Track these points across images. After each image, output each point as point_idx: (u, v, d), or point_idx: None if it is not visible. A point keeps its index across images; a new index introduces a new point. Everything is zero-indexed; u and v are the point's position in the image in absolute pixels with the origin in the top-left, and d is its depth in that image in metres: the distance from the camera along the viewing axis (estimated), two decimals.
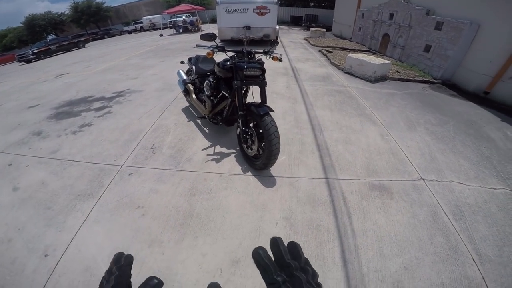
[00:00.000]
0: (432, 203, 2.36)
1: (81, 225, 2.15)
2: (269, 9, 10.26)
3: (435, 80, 6.04)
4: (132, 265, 0.44)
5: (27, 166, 3.01)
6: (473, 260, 1.86)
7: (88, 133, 3.70)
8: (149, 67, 7.72)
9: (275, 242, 0.38)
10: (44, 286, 1.69)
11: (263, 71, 2.55)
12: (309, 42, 12.03)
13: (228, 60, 2.66)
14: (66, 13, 31.88)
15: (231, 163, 2.90)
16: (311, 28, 14.53)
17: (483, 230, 2.10)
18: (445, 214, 2.25)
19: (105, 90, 5.71)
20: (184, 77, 4.06)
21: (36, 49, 15.94)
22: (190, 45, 11.36)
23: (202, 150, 3.15)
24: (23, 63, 15.40)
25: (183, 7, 20.30)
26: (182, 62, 4.52)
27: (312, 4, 27.46)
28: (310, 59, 8.29)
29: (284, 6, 26.80)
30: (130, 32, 28.13)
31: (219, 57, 2.83)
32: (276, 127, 2.34)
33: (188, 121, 3.90)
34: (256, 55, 2.72)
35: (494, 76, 4.93)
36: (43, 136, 3.70)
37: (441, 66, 6.06)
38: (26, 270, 1.80)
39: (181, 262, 1.83)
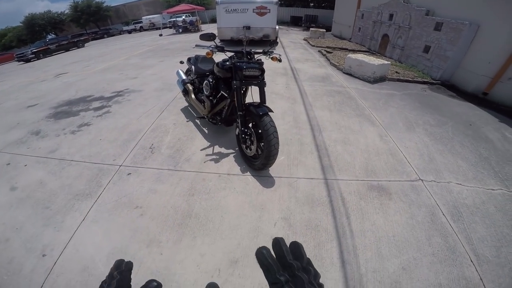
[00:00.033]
0: (430, 203, 2.37)
1: (79, 225, 2.14)
2: (269, 9, 10.27)
3: (434, 81, 6.05)
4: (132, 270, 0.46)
5: (25, 165, 3.00)
6: (471, 261, 1.86)
7: (87, 132, 3.70)
8: (149, 67, 7.71)
9: (277, 242, 0.38)
10: (42, 286, 1.69)
11: (262, 71, 2.55)
12: (308, 42, 12.03)
13: (227, 60, 2.66)
14: (66, 12, 31.85)
15: (230, 163, 2.90)
16: (311, 29, 14.53)
17: (481, 231, 2.11)
18: (443, 214, 2.25)
19: (104, 89, 5.70)
20: (184, 77, 4.06)
21: (35, 49, 15.91)
22: (190, 45, 11.34)
23: (201, 150, 3.15)
24: (22, 62, 15.35)
25: (183, 7, 20.29)
26: (182, 62, 4.52)
27: (312, 4, 27.49)
28: (309, 60, 8.30)
29: (284, 6, 26.83)
30: (129, 32, 28.11)
31: (219, 57, 2.83)
32: (275, 127, 2.34)
33: (187, 121, 3.90)
34: (256, 55, 2.72)
35: (493, 77, 4.94)
36: (41, 136, 3.70)
37: (440, 66, 6.07)
38: (23, 270, 1.79)
39: (180, 262, 1.83)
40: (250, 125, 2.71)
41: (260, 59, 2.68)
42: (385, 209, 2.30)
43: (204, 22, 23.38)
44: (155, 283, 0.41)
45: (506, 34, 4.67)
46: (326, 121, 3.88)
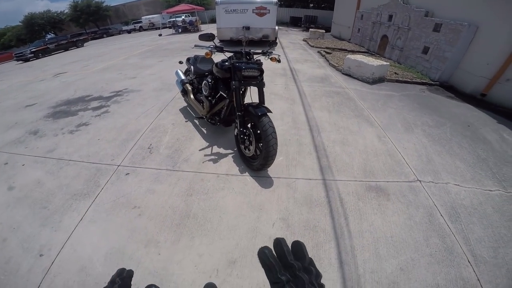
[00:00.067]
0: (428, 204, 2.37)
1: (77, 225, 2.14)
2: (269, 10, 10.27)
3: (432, 82, 6.07)
4: (129, 267, 0.49)
5: (23, 165, 3.00)
6: (469, 262, 1.87)
7: (85, 132, 3.69)
8: (148, 67, 7.71)
9: (279, 242, 0.38)
10: (39, 286, 1.68)
11: (261, 71, 2.55)
12: (308, 43, 12.05)
13: (226, 61, 2.66)
14: (65, 12, 31.77)
15: (228, 164, 2.89)
16: (310, 29, 14.54)
17: (479, 232, 2.11)
18: (441, 215, 2.26)
19: (103, 89, 5.69)
20: (182, 77, 4.06)
21: (34, 48, 15.85)
22: (189, 45, 11.34)
23: (200, 150, 3.14)
24: (21, 62, 15.31)
25: (182, 7, 20.29)
26: (181, 62, 4.52)
27: (312, 5, 27.51)
28: (308, 60, 8.31)
29: (283, 7, 26.83)
30: (129, 32, 28.06)
31: (218, 57, 2.83)
32: (273, 128, 2.34)
33: (186, 121, 3.90)
34: (255, 56, 2.72)
35: (491, 78, 4.96)
36: (39, 135, 3.69)
37: (439, 68, 6.09)
38: (21, 270, 1.79)
39: (178, 262, 1.83)
40: (249, 125, 2.71)
41: (259, 60, 2.68)
42: (383, 209, 2.30)
43: (203, 22, 23.37)
44: None
45: (505, 36, 4.69)
46: (325, 122, 3.88)
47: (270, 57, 2.73)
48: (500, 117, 4.37)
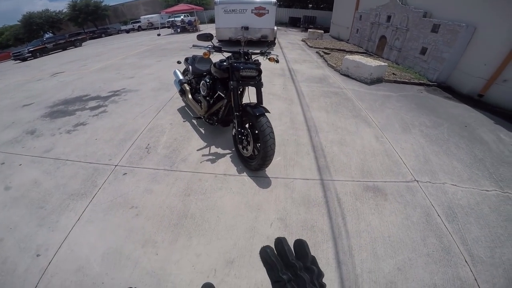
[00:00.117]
0: (425, 204, 2.38)
1: (74, 225, 2.13)
2: (268, 10, 10.27)
3: (430, 83, 6.09)
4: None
5: (20, 165, 2.98)
6: (466, 261, 1.87)
7: (83, 132, 3.68)
8: (146, 67, 7.69)
9: (280, 242, 0.38)
10: (36, 286, 1.67)
11: (260, 72, 2.55)
12: (306, 43, 12.06)
13: (224, 61, 2.66)
14: (64, 11, 31.69)
15: (226, 164, 2.89)
16: (309, 30, 14.56)
17: (476, 232, 2.12)
18: (438, 215, 2.26)
19: (101, 89, 5.67)
20: (181, 77, 4.05)
21: (32, 47, 15.78)
22: (188, 45, 11.33)
23: (198, 150, 3.14)
24: (19, 61, 15.25)
25: (181, 6, 20.26)
26: (179, 62, 4.51)
27: (311, 5, 27.57)
28: (307, 61, 8.32)
29: (282, 7, 26.83)
30: (127, 31, 27.98)
31: (216, 57, 2.83)
32: (271, 128, 2.34)
33: (184, 121, 3.89)
34: (253, 56, 2.72)
35: (489, 79, 4.98)
36: (36, 135, 3.67)
37: (436, 68, 6.11)
38: (17, 270, 1.78)
39: (175, 262, 1.82)
40: (247, 125, 2.71)
41: (257, 60, 2.68)
42: (381, 209, 2.31)
43: (202, 22, 23.36)
44: None
45: (502, 36, 4.72)
46: (323, 122, 3.89)
47: (268, 57, 2.74)
48: (497, 117, 4.39)
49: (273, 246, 0.38)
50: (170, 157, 3.01)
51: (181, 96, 4.03)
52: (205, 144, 3.28)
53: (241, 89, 2.79)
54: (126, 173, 2.74)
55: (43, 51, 16.35)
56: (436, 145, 3.37)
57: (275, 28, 10.92)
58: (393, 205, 2.36)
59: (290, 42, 13.00)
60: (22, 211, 2.29)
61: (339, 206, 2.34)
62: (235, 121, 2.65)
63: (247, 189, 2.52)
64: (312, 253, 0.39)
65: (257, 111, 2.39)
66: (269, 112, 2.46)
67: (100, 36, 26.83)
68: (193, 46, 3.00)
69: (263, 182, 2.61)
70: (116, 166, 2.87)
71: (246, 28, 10.48)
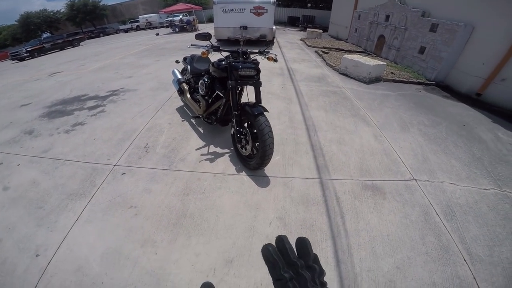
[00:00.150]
0: (424, 203, 2.39)
1: (73, 225, 2.12)
2: (266, 10, 10.26)
3: (428, 82, 6.10)
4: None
5: (18, 165, 2.97)
6: (464, 260, 1.88)
7: (81, 132, 3.67)
8: (144, 66, 7.67)
9: (281, 240, 0.38)
10: (36, 286, 1.67)
11: (258, 71, 2.55)
12: (305, 42, 12.06)
13: (223, 60, 2.66)
14: (61, 11, 31.58)
15: (225, 163, 2.89)
16: (308, 29, 14.56)
17: (474, 230, 2.13)
18: (437, 214, 2.27)
19: (99, 89, 5.65)
20: (179, 76, 4.04)
21: (30, 47, 15.73)
22: (186, 44, 11.23)
23: (196, 149, 3.14)
24: (17, 61, 15.18)
25: (180, 6, 20.18)
26: (177, 62, 4.50)
27: (310, 5, 27.57)
28: (306, 60, 8.32)
29: (281, 6, 26.81)
30: (126, 31, 27.91)
31: (215, 57, 2.82)
32: (270, 127, 2.35)
33: (182, 121, 3.89)
34: (251, 55, 2.72)
35: (487, 78, 5.00)
36: (35, 135, 3.65)
37: (435, 67, 6.13)
38: (17, 270, 1.78)
39: (174, 262, 1.82)
40: (246, 124, 2.71)
41: (256, 59, 2.68)
42: (379, 208, 2.31)
43: (201, 22, 23.34)
44: None
45: (500, 36, 4.73)
46: (322, 121, 3.89)
47: (267, 56, 2.74)
48: (495, 116, 4.41)
49: (274, 244, 0.38)
50: (169, 157, 3.00)
51: (180, 95, 4.03)
52: (204, 143, 3.28)
53: (239, 89, 2.78)
54: (124, 173, 2.74)
55: (41, 51, 16.30)
56: (435, 144, 3.38)
57: (274, 27, 10.91)
58: (392, 204, 2.36)
59: (289, 41, 13.00)
60: (20, 212, 2.28)
61: (338, 205, 2.34)
62: (234, 120, 2.65)
63: (246, 188, 2.52)
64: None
65: (256, 110, 2.39)
66: (268, 111, 2.47)
67: (98, 36, 26.75)
68: (192, 45, 2.99)
69: (262, 181, 2.61)
70: (114, 166, 2.87)
71: (245, 28, 10.47)
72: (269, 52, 2.77)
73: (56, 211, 2.27)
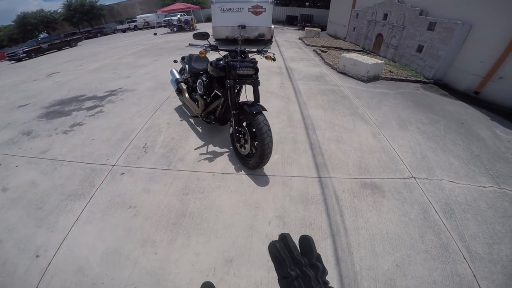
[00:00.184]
0: (423, 201, 2.40)
1: (73, 225, 2.12)
2: (265, 9, 10.25)
3: (427, 80, 6.12)
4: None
5: (16, 166, 2.96)
6: (464, 258, 1.89)
7: (80, 132, 3.65)
8: (142, 66, 7.65)
9: (284, 238, 0.38)
10: (37, 287, 1.67)
11: (256, 70, 2.55)
12: (303, 41, 12.06)
13: (221, 59, 2.66)
14: (58, 11, 31.44)
15: (224, 162, 2.89)
16: (306, 28, 14.54)
17: (473, 228, 2.14)
18: (436, 212, 2.28)
19: (97, 89, 5.64)
20: (177, 76, 4.04)
21: (27, 48, 15.66)
22: (184, 44, 11.22)
23: (195, 149, 3.13)
24: (14, 61, 15.10)
25: (178, 5, 20.10)
26: (175, 61, 4.49)
27: (308, 4, 27.55)
28: (304, 59, 8.32)
29: (279, 5, 26.81)
30: (123, 31, 27.81)
31: (213, 56, 2.82)
32: (268, 126, 2.35)
33: (181, 120, 3.88)
34: (250, 54, 2.72)
35: (484, 76, 5.01)
36: (33, 136, 3.64)
37: (433, 66, 6.14)
38: (17, 271, 1.77)
39: (174, 261, 1.82)
40: (244, 124, 2.71)
41: (254, 58, 2.68)
42: (379, 206, 2.32)
43: (199, 21, 23.28)
44: None
45: (498, 34, 4.74)
46: (320, 120, 3.90)
47: (265, 55, 2.73)
48: (493, 114, 4.42)
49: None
50: (168, 157, 3.00)
51: (178, 95, 4.02)
52: (203, 143, 3.27)
53: (238, 88, 2.78)
54: (123, 173, 2.73)
55: (38, 51, 16.23)
56: (433, 142, 3.39)
57: (272, 26, 10.90)
58: (391, 202, 2.37)
59: (287, 40, 12.99)
60: (20, 213, 2.27)
61: (337, 203, 2.35)
62: (232, 119, 2.65)
63: (245, 187, 2.52)
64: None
65: (254, 109, 2.39)
66: (266, 110, 2.47)
67: (96, 36, 26.65)
68: (190, 45, 2.99)
69: (261, 180, 2.61)
70: (113, 166, 2.86)
71: (243, 27, 10.45)
72: (267, 51, 2.76)
73: (55, 211, 2.27)
